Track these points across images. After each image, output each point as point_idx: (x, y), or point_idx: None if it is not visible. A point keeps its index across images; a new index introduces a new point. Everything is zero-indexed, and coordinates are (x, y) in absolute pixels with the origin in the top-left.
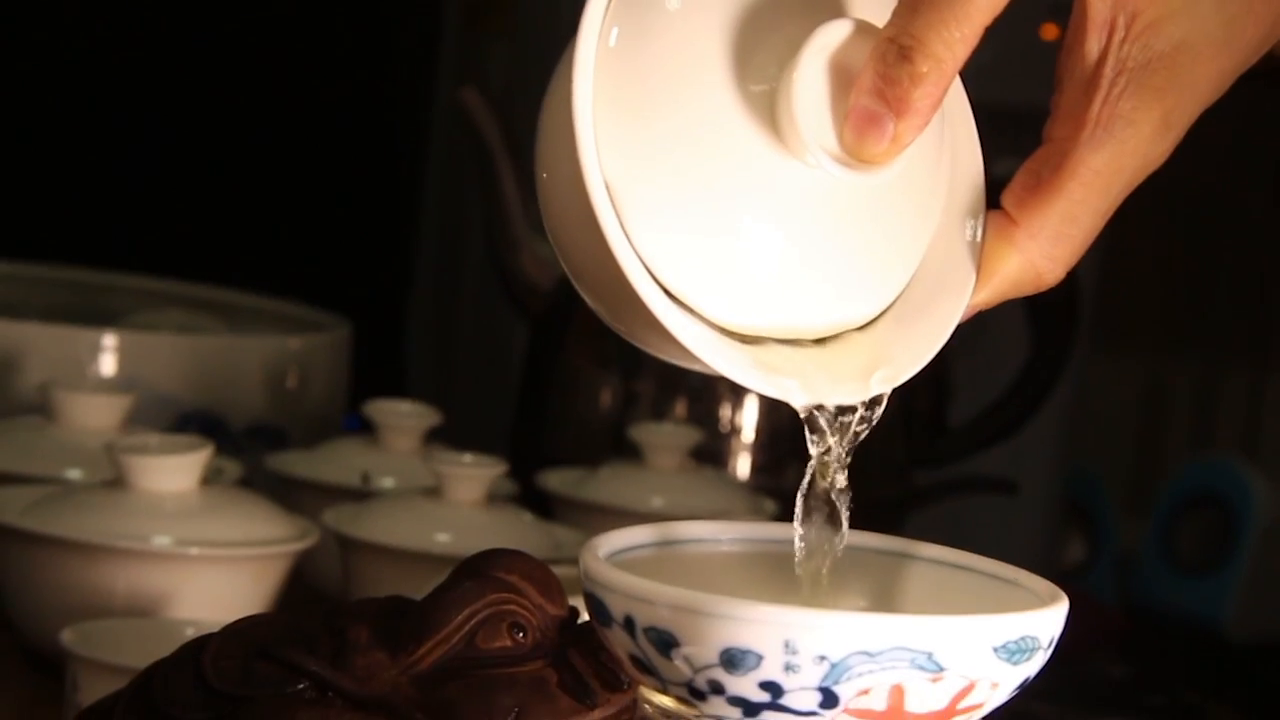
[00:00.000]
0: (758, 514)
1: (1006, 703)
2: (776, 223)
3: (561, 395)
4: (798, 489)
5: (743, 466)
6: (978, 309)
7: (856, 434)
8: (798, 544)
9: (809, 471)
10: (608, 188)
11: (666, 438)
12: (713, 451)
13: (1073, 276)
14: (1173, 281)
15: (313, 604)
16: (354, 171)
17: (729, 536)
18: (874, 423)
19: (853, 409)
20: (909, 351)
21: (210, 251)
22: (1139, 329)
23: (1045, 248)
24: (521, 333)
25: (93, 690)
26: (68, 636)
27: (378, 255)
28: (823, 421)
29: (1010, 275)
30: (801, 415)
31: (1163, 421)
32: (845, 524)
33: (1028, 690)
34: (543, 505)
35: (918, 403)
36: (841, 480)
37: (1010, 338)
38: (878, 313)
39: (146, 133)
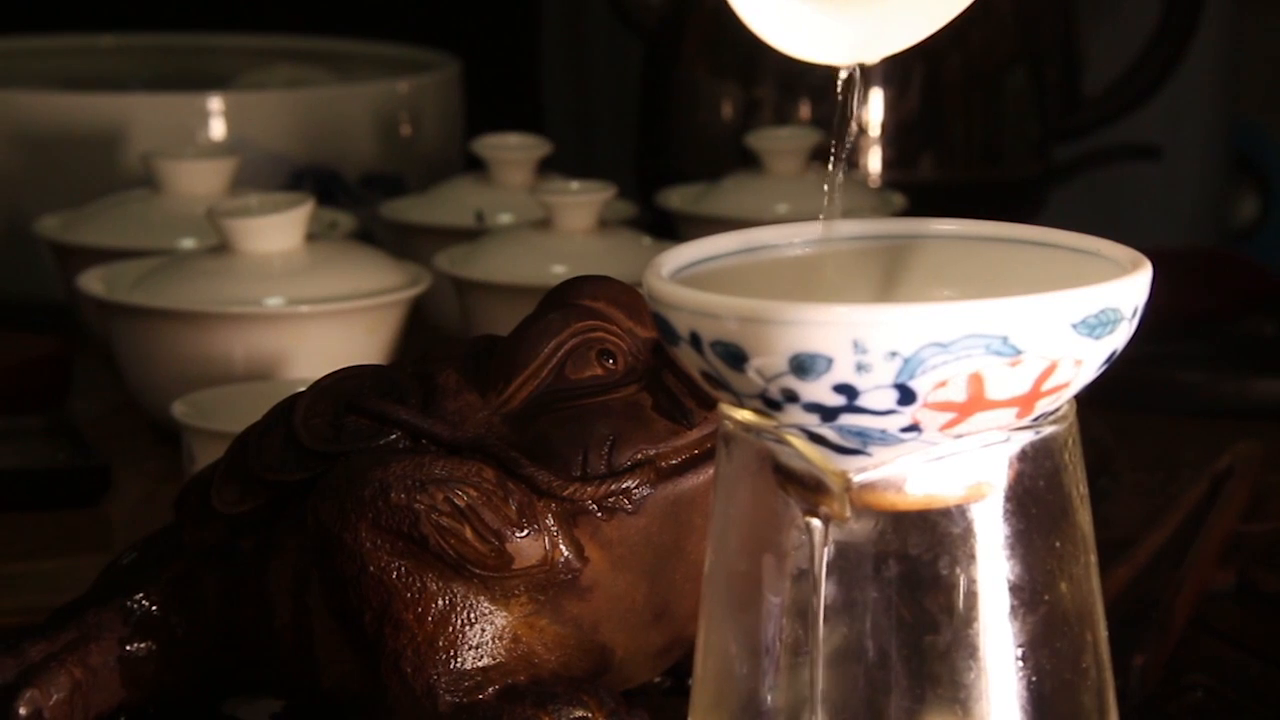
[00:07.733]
0: (886, 210)
1: (1095, 379)
2: None
3: (681, 110)
4: (929, 181)
5: (872, 164)
6: None
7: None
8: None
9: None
10: None
11: (785, 142)
12: None
13: None
14: None
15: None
16: None
17: (800, 239)
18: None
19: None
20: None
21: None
22: None
23: None
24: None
25: (208, 460)
26: (179, 408)
27: None
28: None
29: None
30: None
31: None
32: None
33: (1176, 358)
34: (669, 226)
35: (1049, 73)
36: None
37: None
38: None
39: None
